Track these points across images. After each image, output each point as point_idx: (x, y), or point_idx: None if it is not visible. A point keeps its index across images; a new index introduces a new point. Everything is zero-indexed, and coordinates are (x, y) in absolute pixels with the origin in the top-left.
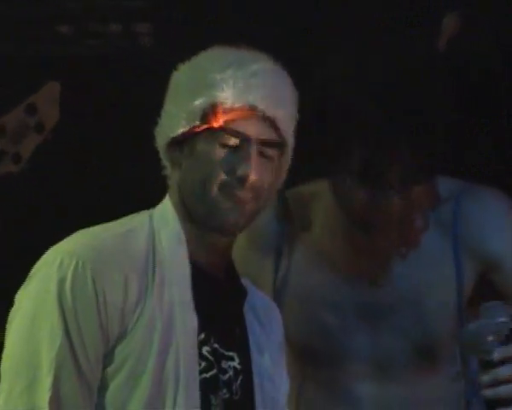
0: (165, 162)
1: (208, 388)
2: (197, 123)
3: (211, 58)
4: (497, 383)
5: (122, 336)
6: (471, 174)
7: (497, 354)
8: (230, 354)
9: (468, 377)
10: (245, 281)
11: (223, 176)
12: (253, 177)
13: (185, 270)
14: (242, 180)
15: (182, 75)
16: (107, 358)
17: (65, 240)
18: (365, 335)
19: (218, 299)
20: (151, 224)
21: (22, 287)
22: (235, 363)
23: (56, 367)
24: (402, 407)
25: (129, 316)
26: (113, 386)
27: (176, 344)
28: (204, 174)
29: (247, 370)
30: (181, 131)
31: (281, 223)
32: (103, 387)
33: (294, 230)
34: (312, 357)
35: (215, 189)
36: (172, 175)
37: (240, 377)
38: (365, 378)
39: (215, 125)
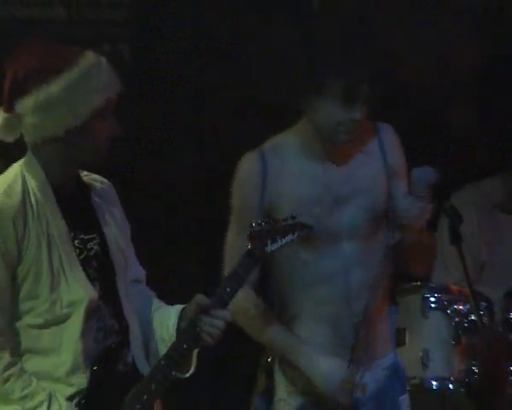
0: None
1: (84, 264)
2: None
3: None
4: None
5: (20, 258)
6: None
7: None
8: (91, 235)
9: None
10: (87, 178)
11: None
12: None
13: (51, 198)
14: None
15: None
16: (14, 276)
17: None
18: (339, 213)
19: (75, 202)
20: (22, 176)
21: None
22: (96, 240)
23: None
24: (362, 254)
25: (21, 244)
26: (24, 287)
27: (56, 246)
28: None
29: (103, 241)
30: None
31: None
32: (17, 293)
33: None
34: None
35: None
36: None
37: (101, 247)
38: (342, 239)
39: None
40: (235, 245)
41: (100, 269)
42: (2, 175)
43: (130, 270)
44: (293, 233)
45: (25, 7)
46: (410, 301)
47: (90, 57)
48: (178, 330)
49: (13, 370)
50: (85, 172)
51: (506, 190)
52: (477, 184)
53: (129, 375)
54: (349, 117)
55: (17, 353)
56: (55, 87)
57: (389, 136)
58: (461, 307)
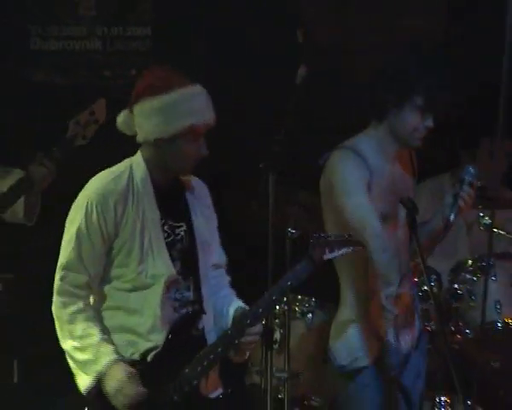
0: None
1: (170, 245)
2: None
3: None
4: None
5: (117, 234)
6: None
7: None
8: (179, 224)
9: None
10: (185, 178)
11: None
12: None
13: (150, 190)
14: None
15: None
16: (111, 247)
17: (87, 184)
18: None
19: (170, 196)
20: (130, 169)
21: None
22: (183, 228)
23: (77, 244)
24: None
25: (119, 223)
26: (118, 258)
27: (148, 229)
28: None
29: (190, 229)
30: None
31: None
32: (112, 261)
33: None
34: None
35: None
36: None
37: (187, 234)
38: (399, 224)
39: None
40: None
41: (183, 251)
42: (116, 165)
43: (212, 255)
44: (349, 247)
45: (70, 40)
46: None
47: (187, 85)
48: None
49: (81, 316)
50: None
51: (453, 181)
52: (434, 178)
53: (198, 340)
54: (424, 125)
55: (100, 308)
56: (156, 101)
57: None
58: (416, 280)
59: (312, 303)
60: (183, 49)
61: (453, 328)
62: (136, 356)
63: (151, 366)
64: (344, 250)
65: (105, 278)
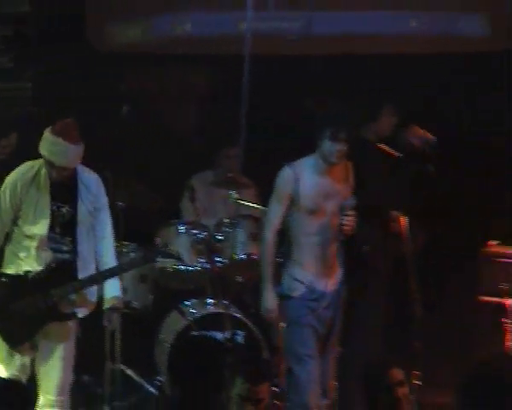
0: None
1: (53, 218)
2: None
3: None
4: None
5: (21, 205)
6: None
7: None
8: (64, 205)
9: None
10: (81, 169)
11: None
12: None
13: (47, 182)
14: None
15: None
16: (18, 212)
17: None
18: (326, 203)
19: (61, 187)
20: (40, 166)
21: None
22: (67, 207)
23: None
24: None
25: (23, 199)
26: (20, 221)
27: (40, 206)
28: None
29: (74, 209)
30: None
31: None
32: (16, 222)
33: None
34: None
35: None
36: None
37: (69, 212)
38: (327, 215)
39: None
40: (272, 210)
41: (64, 222)
42: (36, 161)
43: (95, 228)
44: (171, 258)
45: None
46: (170, 230)
47: (64, 137)
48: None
49: None
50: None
51: (216, 173)
52: (206, 171)
53: (69, 273)
54: (336, 149)
55: (5, 246)
56: (48, 137)
57: (351, 168)
58: (194, 232)
59: None
60: None
61: (219, 259)
62: (21, 273)
63: (30, 282)
64: (167, 259)
65: (12, 231)
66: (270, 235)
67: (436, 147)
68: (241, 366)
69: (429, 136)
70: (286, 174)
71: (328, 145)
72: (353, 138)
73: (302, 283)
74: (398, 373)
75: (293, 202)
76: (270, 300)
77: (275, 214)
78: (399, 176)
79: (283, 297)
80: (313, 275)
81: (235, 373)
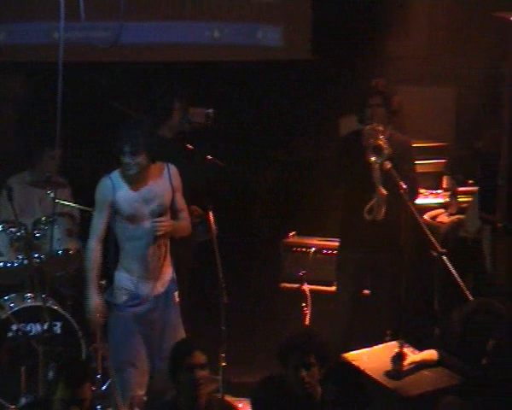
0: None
1: None
2: None
3: None
4: None
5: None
6: None
7: None
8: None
9: None
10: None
11: None
12: None
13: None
14: None
15: None
16: None
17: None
18: (143, 208)
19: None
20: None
21: None
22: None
23: None
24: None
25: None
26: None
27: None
28: None
29: None
30: None
31: None
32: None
33: None
34: None
35: None
36: None
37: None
38: (145, 220)
39: None
40: (95, 219)
41: None
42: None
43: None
44: None
45: None
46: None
47: None
48: None
49: None
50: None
51: (34, 173)
52: (23, 172)
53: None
54: (127, 162)
55: None
56: None
57: (173, 169)
58: (13, 230)
59: None
60: None
61: (37, 255)
62: None
63: None
64: None
65: None
66: (93, 243)
67: (215, 117)
68: (61, 372)
69: (206, 109)
70: (104, 184)
71: (122, 159)
72: (150, 144)
73: (126, 289)
74: (199, 356)
75: (115, 209)
76: (94, 303)
77: (97, 223)
78: (195, 167)
79: (109, 305)
80: (138, 279)
81: (56, 379)
